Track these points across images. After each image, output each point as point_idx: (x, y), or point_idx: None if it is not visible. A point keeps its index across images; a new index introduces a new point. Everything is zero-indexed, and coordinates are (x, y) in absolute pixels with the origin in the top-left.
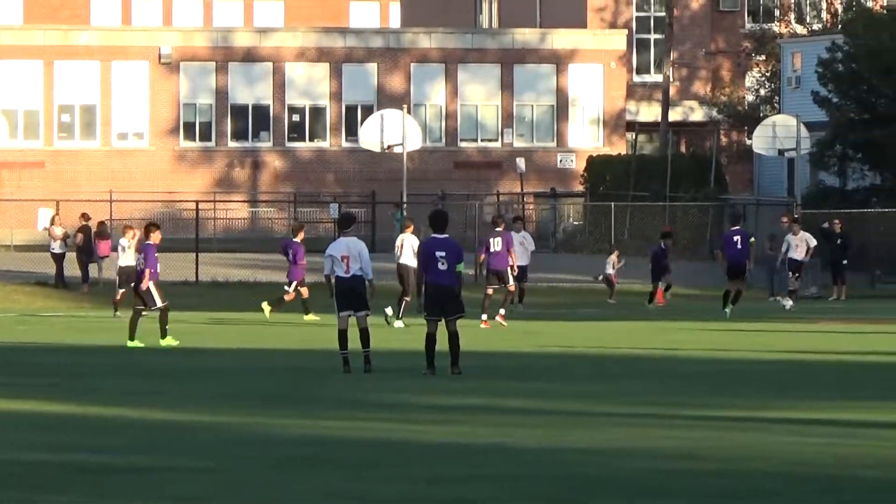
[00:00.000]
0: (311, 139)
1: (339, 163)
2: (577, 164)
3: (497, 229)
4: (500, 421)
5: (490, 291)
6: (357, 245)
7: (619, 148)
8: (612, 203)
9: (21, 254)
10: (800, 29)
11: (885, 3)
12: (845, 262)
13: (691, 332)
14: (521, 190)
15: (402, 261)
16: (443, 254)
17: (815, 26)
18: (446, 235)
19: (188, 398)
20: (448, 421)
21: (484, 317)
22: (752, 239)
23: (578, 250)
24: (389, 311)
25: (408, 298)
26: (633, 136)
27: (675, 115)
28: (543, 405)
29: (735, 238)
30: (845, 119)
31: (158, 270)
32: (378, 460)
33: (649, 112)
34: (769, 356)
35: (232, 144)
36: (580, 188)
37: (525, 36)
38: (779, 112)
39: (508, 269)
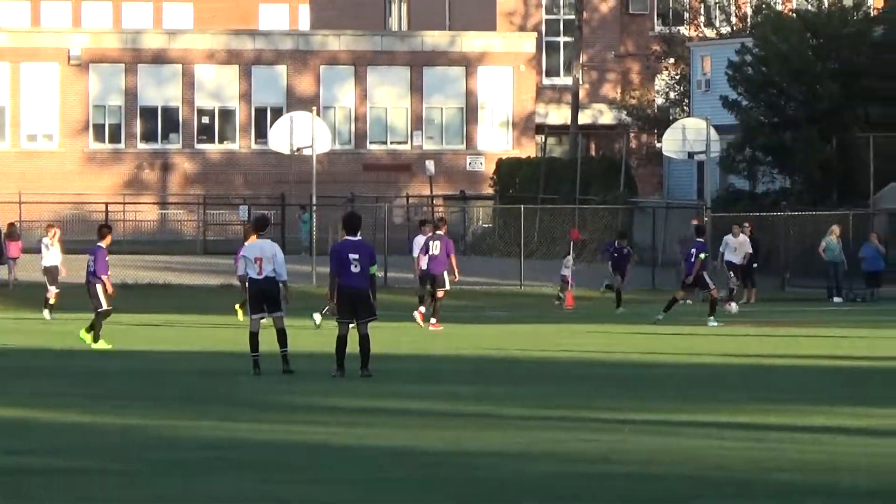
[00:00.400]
0: (220, 141)
1: (248, 165)
2: (487, 167)
3: (438, 232)
4: (410, 423)
5: (443, 294)
6: (271, 247)
7: (529, 150)
8: (522, 206)
9: None
10: (709, 32)
11: (794, 7)
12: (755, 265)
13: (602, 336)
14: (431, 192)
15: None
16: (356, 256)
17: (725, 30)
18: (359, 238)
19: (98, 400)
20: (357, 423)
21: (433, 319)
22: (703, 255)
23: (488, 253)
24: (318, 317)
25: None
26: (543, 139)
27: (584, 117)
28: (453, 408)
29: (692, 250)
30: (755, 122)
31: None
32: (287, 462)
33: (559, 115)
34: (680, 359)
35: (141, 146)
36: (489, 191)
37: (434, 38)
38: (688, 115)
39: (444, 273)
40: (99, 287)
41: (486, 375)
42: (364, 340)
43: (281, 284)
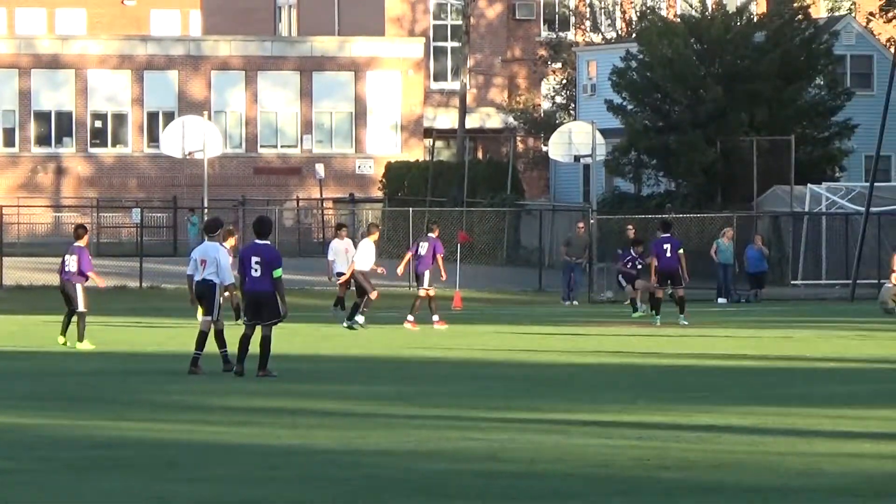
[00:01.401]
0: (113, 145)
1: (141, 168)
2: (376, 170)
3: (430, 235)
4: (300, 423)
5: (425, 293)
6: (215, 251)
7: (417, 154)
8: (410, 208)
9: None
10: (595, 37)
11: (678, 12)
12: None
13: (492, 336)
14: (321, 195)
15: (356, 266)
16: (258, 259)
17: (611, 35)
18: (267, 242)
19: None
20: (249, 422)
21: (410, 318)
22: (682, 250)
23: (378, 255)
24: (361, 319)
25: (373, 296)
26: (431, 143)
27: (472, 121)
28: (343, 407)
29: (665, 246)
30: (640, 126)
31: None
32: (177, 461)
33: (447, 118)
34: (566, 359)
35: (35, 150)
36: (379, 193)
37: (324, 44)
38: (574, 119)
39: (427, 273)
40: (79, 287)
41: (375, 375)
42: (265, 341)
43: (224, 287)
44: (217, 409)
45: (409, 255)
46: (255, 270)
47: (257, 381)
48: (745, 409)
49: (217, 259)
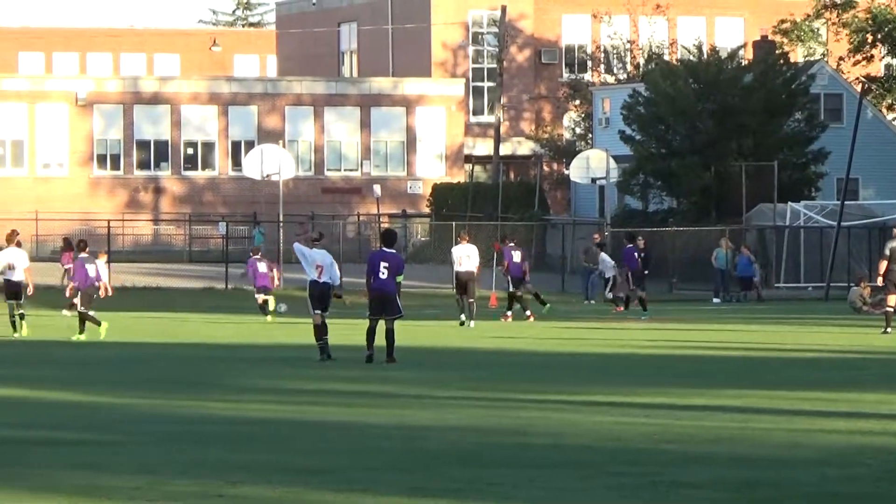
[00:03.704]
0: (203, 168)
1: (226, 188)
2: (424, 190)
3: (510, 244)
4: (356, 402)
5: (519, 292)
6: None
7: (459, 176)
8: (453, 222)
9: None
10: (609, 78)
11: (679, 56)
12: (646, 272)
13: (521, 330)
14: (378, 211)
15: (460, 269)
16: (386, 264)
17: (622, 76)
18: (393, 250)
19: (96, 383)
20: (315, 402)
21: (528, 312)
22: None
23: (426, 261)
24: (464, 317)
25: (472, 300)
26: (471, 167)
27: (505, 149)
28: (394, 390)
29: (634, 253)
30: (647, 153)
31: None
32: (256, 435)
33: (484, 146)
34: (584, 349)
35: (138, 173)
36: (427, 210)
37: (380, 83)
38: (591, 147)
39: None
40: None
41: (422, 362)
42: (389, 334)
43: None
44: (287, 391)
45: (506, 262)
46: (383, 273)
47: (318, 367)
48: (736, 392)
49: (331, 264)
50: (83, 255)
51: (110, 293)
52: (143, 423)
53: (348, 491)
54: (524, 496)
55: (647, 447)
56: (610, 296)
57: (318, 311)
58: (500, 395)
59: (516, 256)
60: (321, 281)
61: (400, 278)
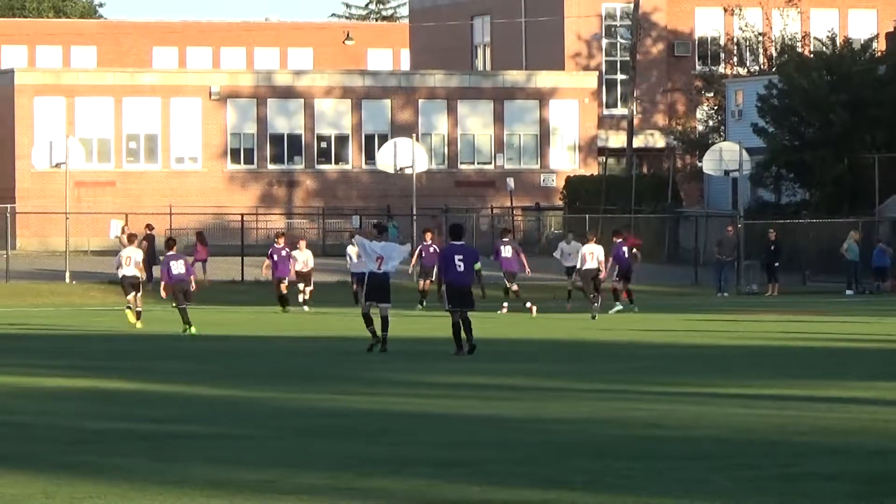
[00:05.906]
0: (336, 162)
1: (360, 182)
2: (558, 183)
3: (504, 239)
4: (492, 395)
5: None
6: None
7: (592, 169)
8: (587, 215)
9: (96, 258)
10: (742, 70)
11: (812, 49)
12: (777, 264)
13: (653, 321)
14: (511, 204)
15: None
16: (460, 257)
17: (754, 68)
18: (462, 242)
19: (228, 377)
20: (449, 395)
21: (528, 304)
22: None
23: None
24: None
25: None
26: (604, 160)
27: (638, 141)
28: (528, 383)
29: (623, 248)
30: (780, 145)
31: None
32: (388, 428)
33: (617, 139)
34: (718, 341)
35: (271, 167)
36: (560, 203)
37: (513, 77)
38: (724, 139)
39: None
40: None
41: (555, 356)
42: (466, 323)
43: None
44: (421, 384)
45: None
46: (459, 267)
47: (454, 361)
48: (868, 384)
49: (391, 256)
50: (170, 252)
51: (194, 288)
52: (277, 416)
53: (481, 483)
54: (656, 489)
55: (779, 439)
56: (746, 289)
57: (371, 302)
58: (631, 388)
59: (507, 251)
60: (381, 272)
61: (478, 266)
